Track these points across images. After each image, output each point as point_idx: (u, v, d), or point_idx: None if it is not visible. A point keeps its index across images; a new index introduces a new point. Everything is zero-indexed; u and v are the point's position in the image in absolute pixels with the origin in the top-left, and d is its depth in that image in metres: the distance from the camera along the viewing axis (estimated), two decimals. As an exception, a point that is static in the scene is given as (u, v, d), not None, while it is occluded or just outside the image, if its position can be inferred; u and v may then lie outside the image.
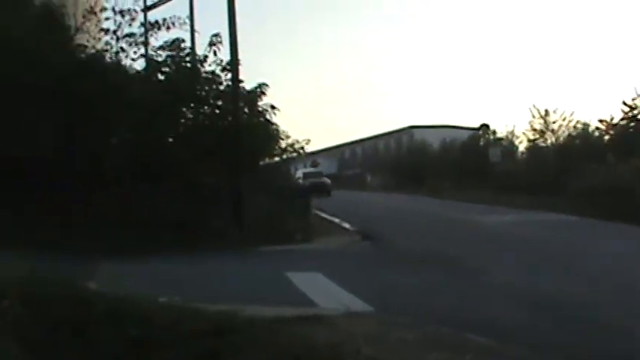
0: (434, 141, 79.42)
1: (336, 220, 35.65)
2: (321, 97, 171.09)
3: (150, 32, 29.05)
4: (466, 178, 59.62)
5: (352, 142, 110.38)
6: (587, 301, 14.23)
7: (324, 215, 37.68)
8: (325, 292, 15.30)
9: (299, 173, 67.72)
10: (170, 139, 27.53)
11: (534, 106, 59.00)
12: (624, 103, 48.49)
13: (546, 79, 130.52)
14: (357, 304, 13.44)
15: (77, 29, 27.64)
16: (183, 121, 28.39)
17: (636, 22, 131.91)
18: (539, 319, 12.56)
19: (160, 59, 28.29)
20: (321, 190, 63.08)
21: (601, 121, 52.23)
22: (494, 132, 70.08)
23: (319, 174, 74.48)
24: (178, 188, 25.54)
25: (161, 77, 28.11)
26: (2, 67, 22.67)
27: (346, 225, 33.56)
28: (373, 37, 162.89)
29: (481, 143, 69.55)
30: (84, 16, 27.79)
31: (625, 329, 11.51)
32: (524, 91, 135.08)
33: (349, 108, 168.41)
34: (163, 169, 25.41)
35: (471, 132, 75.16)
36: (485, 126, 71.55)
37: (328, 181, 71.89)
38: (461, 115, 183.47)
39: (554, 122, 56.85)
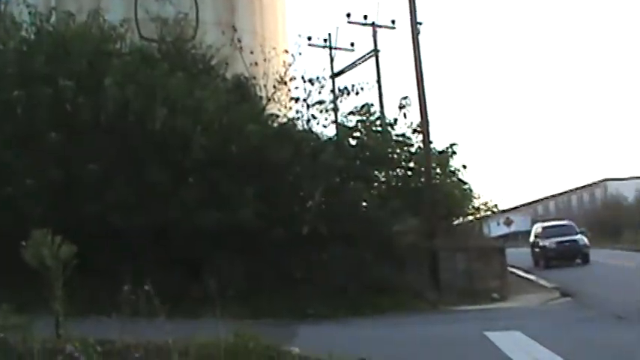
0: (629, 193, 77.38)
1: (532, 278, 35.13)
2: (511, 154, 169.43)
3: (339, 98, 29.64)
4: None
5: (545, 198, 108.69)
6: None
7: (519, 273, 37.20)
8: (526, 351, 15.08)
9: (537, 228, 50.94)
10: (364, 202, 27.80)
11: None
12: None
13: None
14: (560, 364, 13.22)
15: (268, 99, 28.37)
16: (376, 184, 28.63)
17: None
18: None
19: (350, 124, 28.75)
20: (574, 254, 45.48)
21: None
22: (693, 180, 67.84)
23: (569, 229, 48.42)
24: (373, 250, 25.71)
25: (352, 142, 28.47)
26: (200, 141, 23.47)
27: (543, 282, 33.02)
28: (562, 91, 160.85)
29: (680, 193, 67.27)
30: (274, 87, 28.49)
31: None
32: None
33: (540, 164, 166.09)
34: (358, 231, 25.64)
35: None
36: (682, 175, 69.29)
37: (584, 239, 47.01)
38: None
39: None
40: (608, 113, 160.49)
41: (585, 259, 44.94)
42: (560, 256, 44.70)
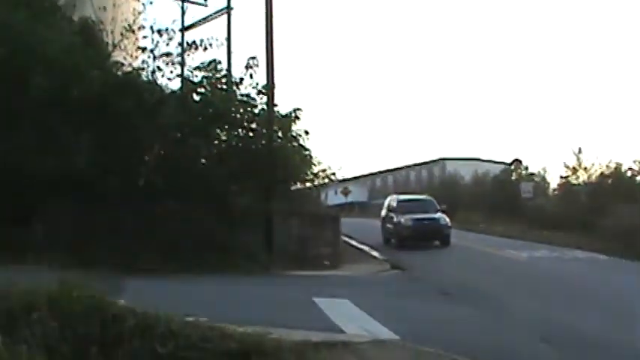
0: (465, 173, 79.06)
1: (365, 248, 35.54)
2: (353, 126, 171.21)
3: (187, 52, 29.15)
4: (497, 212, 59.21)
5: (384, 172, 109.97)
6: (608, 335, 14.70)
7: (353, 243, 37.56)
8: (352, 319, 15.24)
9: (391, 201, 43.24)
10: (203, 160, 27.58)
11: (568, 143, 58.91)
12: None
13: (581, 117, 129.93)
14: (384, 332, 13.44)
15: (115, 46, 27.77)
16: (216, 142, 28.42)
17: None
18: (565, 356, 12.95)
19: (196, 80, 28.38)
20: (433, 234, 39.04)
21: (634, 161, 51.87)
22: (526, 167, 69.73)
23: (429, 205, 41.57)
24: (210, 209, 25.54)
25: (196, 98, 28.15)
26: (40, 82, 22.79)
27: (375, 253, 33.46)
28: (408, 67, 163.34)
29: (513, 178, 69.03)
30: (122, 34, 27.89)
31: None
32: (557, 127, 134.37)
33: (382, 137, 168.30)
34: (196, 188, 25.44)
35: (503, 166, 74.81)
36: (517, 161, 71.10)
37: (446, 218, 39.81)
38: (493, 149, 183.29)
39: (586, 160, 56.28)
40: (448, 94, 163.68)
41: (445, 241, 38.58)
42: (418, 236, 38.04)
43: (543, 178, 66.90)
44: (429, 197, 44.72)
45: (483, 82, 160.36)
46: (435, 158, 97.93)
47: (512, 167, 71.65)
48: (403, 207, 40.59)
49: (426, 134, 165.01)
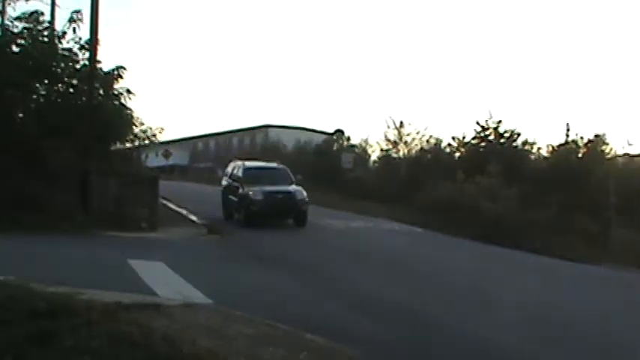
0: (289, 141, 79.46)
1: (184, 212, 35.36)
2: (176, 87, 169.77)
3: (7, 1, 28.23)
4: (318, 182, 59.71)
5: (206, 135, 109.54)
6: (412, 301, 15.39)
7: (171, 206, 37.34)
8: (166, 282, 15.21)
9: (235, 168, 35.95)
10: (20, 114, 26.77)
11: (390, 117, 60.01)
12: (477, 123, 49.36)
13: (404, 93, 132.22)
14: (197, 296, 13.52)
15: None
16: (35, 96, 27.66)
17: (492, 49, 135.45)
18: (373, 321, 13.18)
19: (16, 30, 27.48)
20: (287, 211, 33.01)
21: (453, 138, 53.11)
22: (348, 138, 70.51)
23: (282, 176, 34.93)
24: (26, 165, 24.86)
25: (16, 49, 27.27)
26: None
27: (193, 217, 33.31)
28: (231, 32, 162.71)
29: (334, 148, 69.68)
30: (-64, -24, 26.83)
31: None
32: (380, 101, 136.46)
33: (205, 101, 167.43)
34: (10, 143, 24.69)
35: (326, 136, 75.45)
36: (339, 131, 71.75)
37: (303, 192, 33.10)
38: (317, 120, 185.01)
39: (407, 134, 57.32)
40: (275, 60, 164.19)
41: (301, 220, 32.81)
42: (269, 213, 32.30)
43: (364, 150, 67.79)
44: (282, 166, 37.45)
45: (310, 51, 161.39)
46: (259, 125, 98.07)
47: (334, 137, 72.29)
48: (251, 176, 33.81)
49: (251, 100, 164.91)
